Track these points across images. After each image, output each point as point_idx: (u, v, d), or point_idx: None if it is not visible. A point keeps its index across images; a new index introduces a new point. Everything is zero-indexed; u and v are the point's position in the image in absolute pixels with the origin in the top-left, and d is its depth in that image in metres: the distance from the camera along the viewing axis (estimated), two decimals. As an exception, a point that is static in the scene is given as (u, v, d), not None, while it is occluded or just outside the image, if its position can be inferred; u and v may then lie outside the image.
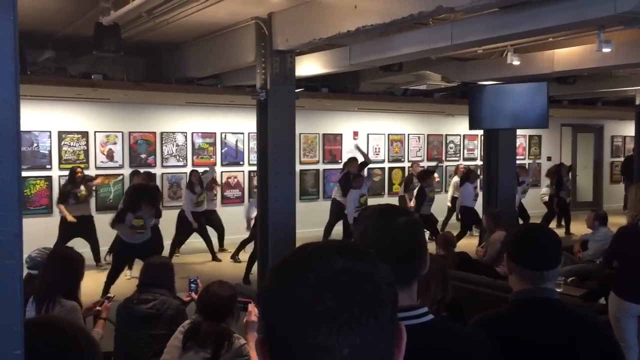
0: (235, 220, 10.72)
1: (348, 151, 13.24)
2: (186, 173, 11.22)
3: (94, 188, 9.80)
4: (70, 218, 9.07)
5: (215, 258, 10.25)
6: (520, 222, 10.77)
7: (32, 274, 4.17)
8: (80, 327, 1.56)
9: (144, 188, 8.69)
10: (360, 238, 1.56)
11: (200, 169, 10.87)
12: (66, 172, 9.77)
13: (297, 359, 0.81)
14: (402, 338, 0.89)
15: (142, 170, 10.43)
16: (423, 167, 12.91)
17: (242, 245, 9.85)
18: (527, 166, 14.02)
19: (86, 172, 9.91)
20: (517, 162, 11.85)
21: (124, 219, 7.65)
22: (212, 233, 10.43)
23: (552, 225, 12.56)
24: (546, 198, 13.08)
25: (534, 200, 13.20)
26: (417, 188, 11.09)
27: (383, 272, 0.87)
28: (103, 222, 9.32)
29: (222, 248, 10.77)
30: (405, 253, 1.51)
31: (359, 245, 0.92)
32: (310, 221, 10.65)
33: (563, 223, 12.93)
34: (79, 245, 8.00)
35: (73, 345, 1.37)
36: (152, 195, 8.13)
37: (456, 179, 12.56)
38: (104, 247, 9.54)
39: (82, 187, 9.26)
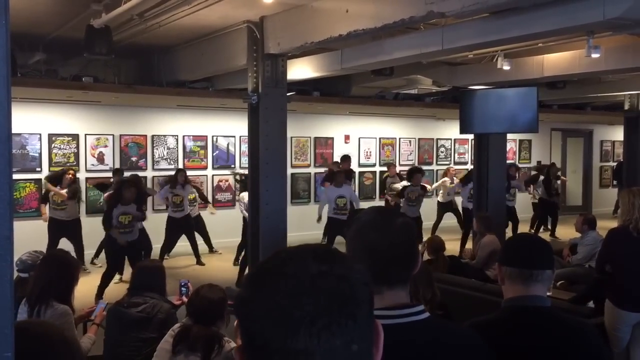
0: (226, 223, 10.70)
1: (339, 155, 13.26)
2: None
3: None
4: (44, 217, 9.10)
5: (199, 262, 10.13)
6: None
7: (22, 277, 4.15)
8: (60, 333, 1.54)
9: (123, 180, 8.73)
10: (355, 236, 1.56)
11: (194, 173, 10.84)
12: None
13: None
14: (380, 336, 0.90)
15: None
16: (399, 170, 12.80)
17: (240, 249, 9.56)
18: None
19: (77, 175, 9.85)
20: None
21: (111, 216, 7.64)
22: (198, 238, 10.34)
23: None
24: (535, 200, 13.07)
25: (524, 204, 13.25)
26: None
27: (358, 272, 0.88)
28: (93, 225, 9.28)
29: (211, 250, 10.74)
30: (403, 255, 1.53)
31: (332, 248, 0.93)
32: (302, 225, 10.65)
33: (549, 226, 12.94)
34: (64, 247, 7.95)
35: (48, 350, 1.36)
36: (132, 182, 8.20)
37: (446, 180, 12.34)
38: (89, 251, 9.49)
39: (63, 191, 9.04)
